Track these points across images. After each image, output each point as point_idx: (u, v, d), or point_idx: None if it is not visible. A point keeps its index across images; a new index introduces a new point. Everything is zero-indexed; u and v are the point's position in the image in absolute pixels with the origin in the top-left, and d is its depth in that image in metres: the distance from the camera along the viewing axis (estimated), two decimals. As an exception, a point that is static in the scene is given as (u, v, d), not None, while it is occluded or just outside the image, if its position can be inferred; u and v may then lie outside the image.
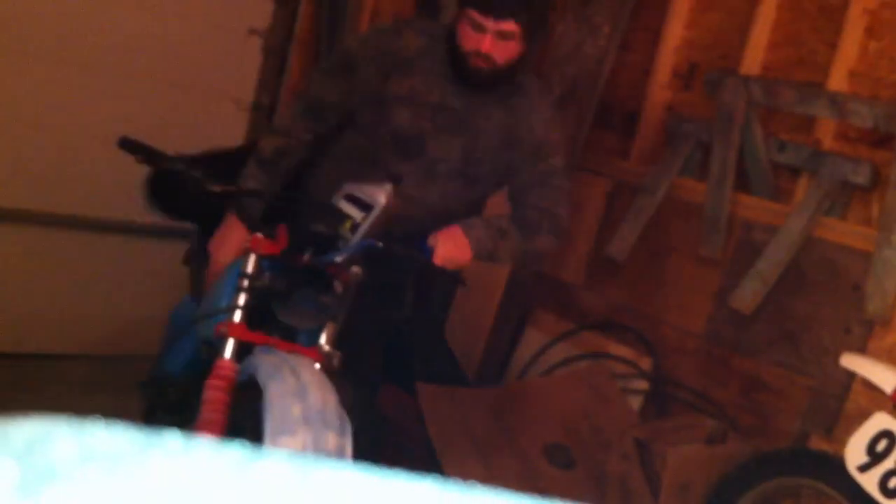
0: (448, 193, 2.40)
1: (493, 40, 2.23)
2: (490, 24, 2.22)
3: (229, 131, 3.65)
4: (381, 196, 2.01)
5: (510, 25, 2.22)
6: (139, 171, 3.47)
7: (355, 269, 1.98)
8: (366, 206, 2.01)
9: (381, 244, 1.95)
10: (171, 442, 0.28)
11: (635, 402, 3.42)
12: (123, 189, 3.47)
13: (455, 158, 2.37)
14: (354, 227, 1.99)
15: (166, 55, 3.44)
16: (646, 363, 3.47)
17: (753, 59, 3.36)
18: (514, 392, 3.41)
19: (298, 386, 1.73)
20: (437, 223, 2.25)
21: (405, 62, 2.38)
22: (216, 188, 2.00)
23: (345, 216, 2.01)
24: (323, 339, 1.96)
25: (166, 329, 2.64)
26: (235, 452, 0.28)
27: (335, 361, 1.95)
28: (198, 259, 2.54)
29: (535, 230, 2.33)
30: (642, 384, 3.45)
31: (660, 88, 3.67)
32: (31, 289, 3.38)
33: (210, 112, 3.58)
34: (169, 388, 2.21)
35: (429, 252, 2.14)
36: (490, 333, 3.73)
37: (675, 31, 3.64)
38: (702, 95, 3.52)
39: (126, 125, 3.41)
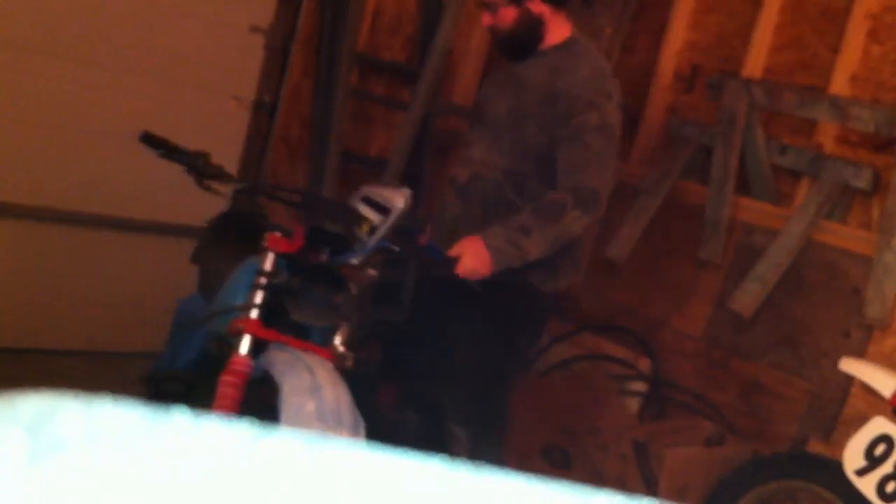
0: (507, 149, 2.50)
1: (488, 14, 2.51)
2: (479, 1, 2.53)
3: (231, 129, 3.65)
4: (398, 200, 2.04)
5: None
6: (139, 168, 3.48)
7: (370, 271, 2.01)
8: (383, 210, 2.04)
9: (397, 248, 1.99)
10: (179, 419, 0.28)
11: (634, 404, 3.42)
12: (124, 185, 3.47)
13: (503, 114, 2.52)
14: (371, 229, 2.01)
15: (168, 52, 3.44)
16: (644, 365, 3.47)
17: (755, 63, 3.36)
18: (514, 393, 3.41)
19: (313, 383, 1.75)
20: (508, 182, 2.46)
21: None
22: (235, 181, 2.09)
23: (362, 218, 2.03)
24: (337, 340, 1.97)
25: (171, 325, 2.65)
26: (243, 429, 0.29)
27: (348, 362, 1.96)
28: (206, 257, 2.56)
29: (559, 211, 2.33)
30: (641, 386, 3.45)
31: (661, 90, 3.67)
32: (33, 284, 3.38)
33: (211, 109, 3.57)
34: (173, 382, 2.21)
35: (441, 257, 2.18)
36: (489, 334, 3.72)
37: (678, 34, 3.64)
38: (703, 98, 3.52)
39: (127, 121, 3.42)
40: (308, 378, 1.76)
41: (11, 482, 0.24)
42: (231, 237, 2.54)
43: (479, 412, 2.58)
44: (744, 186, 3.34)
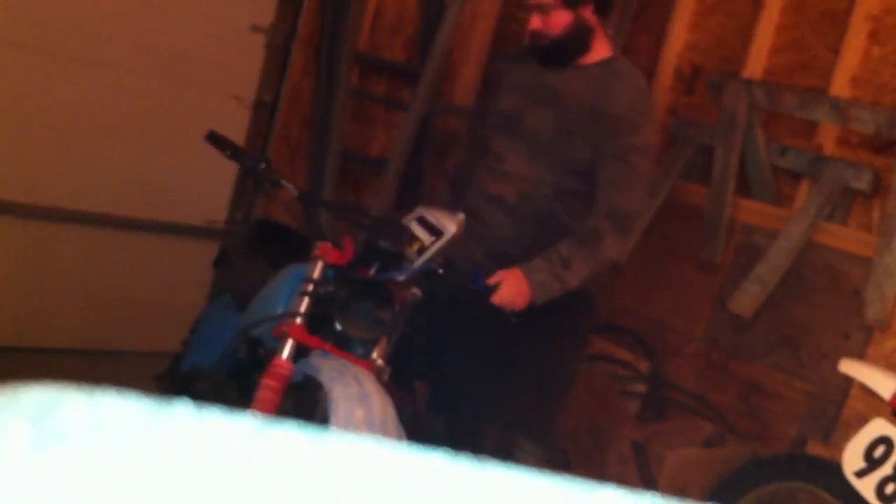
0: (553, 165, 2.43)
1: (537, 17, 2.39)
2: (527, 1, 2.40)
3: (231, 128, 3.65)
4: (451, 224, 2.07)
5: None
6: (140, 167, 3.48)
7: (414, 290, 2.05)
8: (435, 231, 2.07)
9: (441, 270, 2.02)
10: (182, 411, 0.28)
11: (633, 405, 3.42)
12: (124, 184, 3.47)
13: (548, 129, 2.43)
14: (421, 249, 2.04)
15: (169, 51, 3.44)
16: (644, 366, 3.47)
17: (756, 63, 3.36)
18: (513, 393, 3.40)
19: (361, 392, 1.79)
20: (558, 200, 2.42)
21: (510, 65, 2.66)
22: (292, 189, 2.13)
23: (414, 237, 2.06)
24: (375, 354, 2.00)
25: (196, 324, 2.69)
26: (247, 423, 0.29)
27: (385, 375, 2.00)
28: (236, 263, 2.63)
29: (598, 238, 2.32)
30: (641, 387, 3.45)
31: (662, 91, 3.67)
32: (32, 282, 3.38)
33: (212, 109, 3.57)
34: (199, 381, 2.23)
35: (482, 286, 2.21)
36: (489, 334, 3.72)
37: (679, 35, 3.64)
38: (704, 99, 3.52)
39: (128, 120, 3.42)
40: (356, 386, 1.80)
41: (15, 471, 0.24)
42: (265, 245, 2.60)
43: (544, 423, 2.59)
44: (744, 187, 3.34)
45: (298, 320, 1.94)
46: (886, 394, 2.44)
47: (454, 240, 2.07)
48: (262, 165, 2.12)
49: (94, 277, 3.51)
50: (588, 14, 2.40)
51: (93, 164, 3.39)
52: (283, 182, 2.13)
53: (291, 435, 0.28)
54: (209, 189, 3.70)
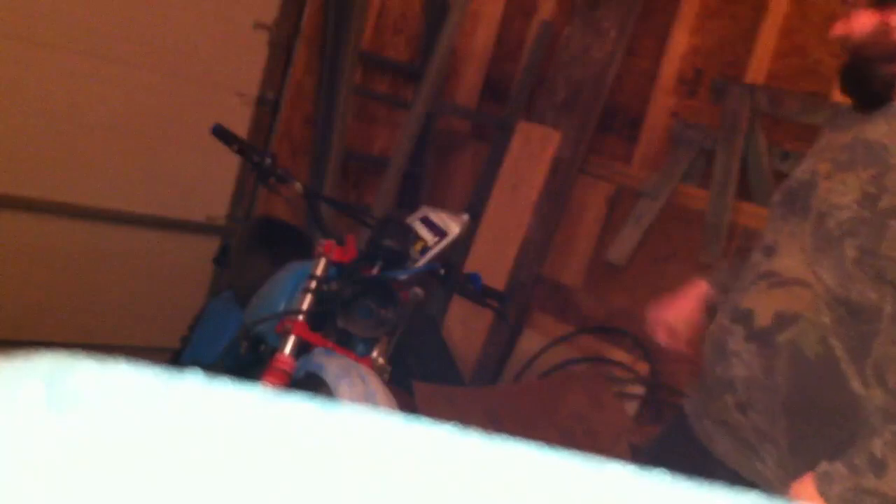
0: (841, 265, 1.50)
1: (845, 20, 1.60)
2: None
3: (233, 124, 3.65)
4: (455, 225, 2.08)
5: None
6: (142, 163, 3.48)
7: (417, 289, 2.05)
8: (439, 232, 2.08)
9: (443, 271, 2.03)
10: (193, 380, 0.28)
11: (631, 407, 3.42)
12: (127, 179, 3.48)
13: (849, 204, 1.50)
14: (424, 249, 2.05)
15: (172, 47, 3.45)
16: (643, 368, 3.47)
17: (759, 68, 3.37)
18: (510, 393, 3.41)
19: (367, 391, 1.80)
20: (837, 326, 1.50)
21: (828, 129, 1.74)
22: (298, 185, 2.14)
23: (418, 237, 2.07)
24: (376, 352, 2.01)
25: (197, 319, 2.70)
26: (257, 394, 0.29)
27: (385, 375, 2.00)
28: (238, 259, 2.63)
29: None
30: (639, 389, 3.45)
31: (665, 94, 3.67)
32: (33, 277, 3.38)
33: (214, 105, 3.58)
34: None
35: (480, 285, 2.20)
36: (488, 334, 3.73)
37: (682, 38, 3.64)
38: (706, 102, 3.52)
39: (131, 116, 3.42)
40: (362, 385, 1.81)
41: (28, 431, 0.24)
42: (267, 242, 2.61)
43: None
44: (745, 191, 3.34)
45: (301, 317, 1.95)
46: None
47: (457, 240, 2.08)
48: (269, 160, 2.13)
49: (94, 272, 3.51)
50: None
51: (94, 158, 3.39)
52: (290, 178, 2.13)
53: (301, 406, 0.29)
54: (211, 185, 3.71)
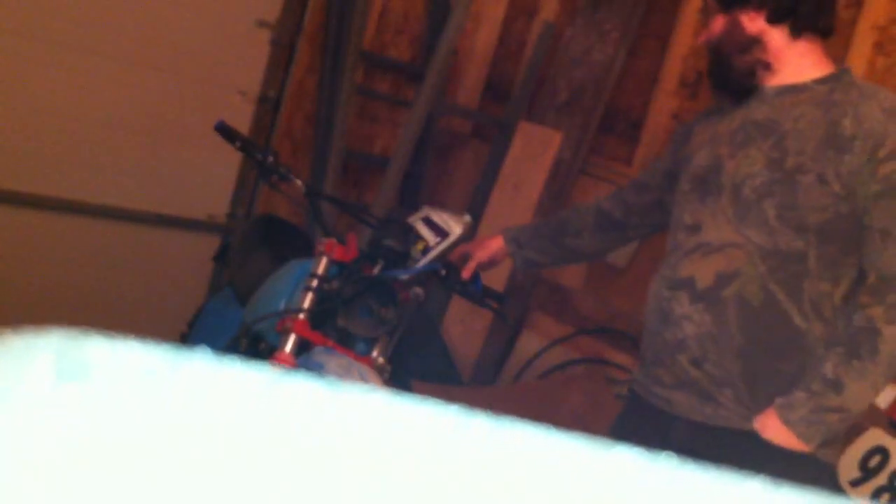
0: (767, 222, 1.73)
1: (705, 29, 1.91)
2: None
3: (234, 123, 3.65)
4: (457, 226, 2.08)
5: None
6: (143, 161, 3.48)
7: (417, 289, 2.05)
8: (441, 232, 2.08)
9: (444, 271, 2.04)
10: (203, 359, 0.28)
11: (630, 409, 3.42)
12: (128, 176, 3.48)
13: (760, 171, 1.75)
14: (426, 249, 2.05)
15: (174, 45, 3.45)
16: (642, 370, 3.47)
17: (761, 71, 3.37)
18: (509, 394, 3.41)
19: None
20: (773, 276, 1.71)
21: (704, 125, 2.00)
22: (299, 183, 2.14)
23: (419, 238, 2.07)
24: (376, 352, 2.02)
25: (195, 317, 2.70)
26: (266, 373, 0.29)
27: (385, 374, 2.01)
28: (237, 258, 2.64)
29: (874, 336, 1.63)
30: (637, 391, 3.45)
31: (666, 96, 3.67)
32: (32, 272, 3.38)
33: (216, 103, 3.58)
34: None
35: (481, 288, 2.20)
36: (487, 334, 3.73)
37: (684, 40, 3.65)
38: (708, 104, 3.52)
39: (132, 113, 3.43)
40: (362, 384, 1.80)
41: (38, 404, 0.24)
42: (267, 240, 2.61)
43: None
44: (746, 194, 3.35)
45: (302, 316, 1.95)
46: (883, 404, 2.44)
47: (458, 241, 2.08)
48: (271, 158, 2.14)
49: (94, 269, 3.51)
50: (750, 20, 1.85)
51: (95, 155, 3.39)
52: (291, 176, 2.13)
53: (308, 386, 0.29)
54: (211, 183, 3.71)
